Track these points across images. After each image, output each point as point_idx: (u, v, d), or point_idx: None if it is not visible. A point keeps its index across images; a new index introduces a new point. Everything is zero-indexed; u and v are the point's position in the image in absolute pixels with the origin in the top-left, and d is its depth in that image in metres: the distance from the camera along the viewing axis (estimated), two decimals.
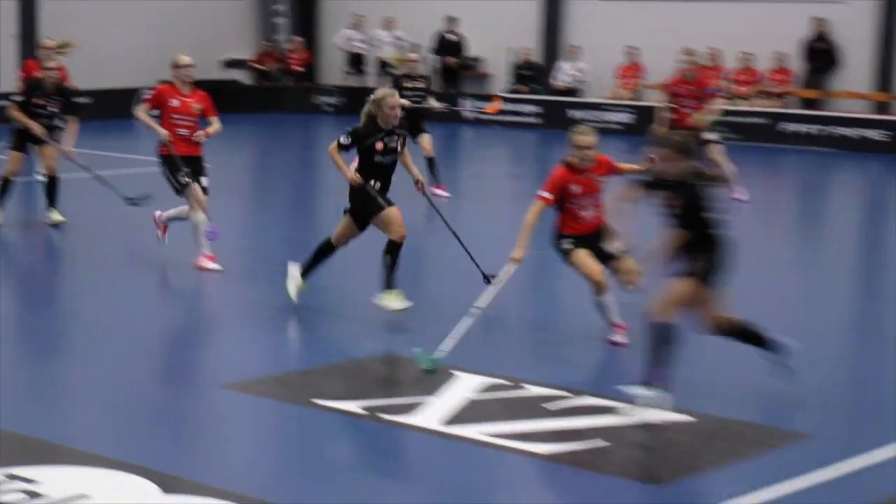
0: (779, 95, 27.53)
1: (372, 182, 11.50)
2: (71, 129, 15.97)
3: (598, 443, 8.40)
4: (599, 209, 10.72)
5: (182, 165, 13.48)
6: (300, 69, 33.26)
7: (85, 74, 30.04)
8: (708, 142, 18.01)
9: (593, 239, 10.72)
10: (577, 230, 10.73)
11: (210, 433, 8.93)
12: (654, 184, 9.25)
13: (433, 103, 19.20)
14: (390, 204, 11.45)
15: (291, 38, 33.61)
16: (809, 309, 13.02)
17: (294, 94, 32.82)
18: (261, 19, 33.95)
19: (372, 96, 11.68)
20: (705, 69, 17.84)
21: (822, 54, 27.27)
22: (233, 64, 33.15)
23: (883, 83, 27.06)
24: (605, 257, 10.64)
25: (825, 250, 17.10)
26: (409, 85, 18.87)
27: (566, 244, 10.78)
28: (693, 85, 18.16)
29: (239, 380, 9.85)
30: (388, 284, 11.47)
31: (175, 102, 13.69)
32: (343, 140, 11.49)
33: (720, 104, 18.42)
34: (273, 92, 32.79)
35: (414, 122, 18.32)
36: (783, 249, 16.69)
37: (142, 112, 13.82)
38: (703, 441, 8.57)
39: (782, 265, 15.40)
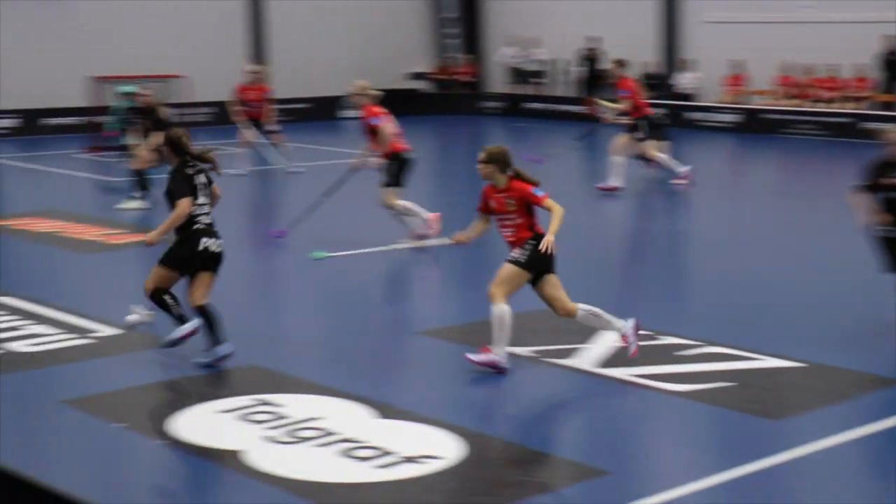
0: (859, 99, 26.72)
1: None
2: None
3: (724, 383, 8.23)
4: (514, 230, 8.60)
5: None
6: (469, 79, 33.43)
7: (301, 84, 30.64)
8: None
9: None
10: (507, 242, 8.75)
11: (412, 370, 8.96)
12: None
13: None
14: None
15: (461, 55, 33.79)
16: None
17: (464, 99, 32.89)
18: (436, 40, 34.14)
19: None
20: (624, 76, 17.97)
21: (895, 64, 26.39)
22: (416, 76, 33.49)
23: None
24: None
25: None
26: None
27: None
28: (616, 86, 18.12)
29: (431, 328, 9.88)
30: None
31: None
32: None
33: (624, 103, 17.80)
34: (448, 98, 32.96)
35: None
36: None
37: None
38: (812, 384, 8.34)
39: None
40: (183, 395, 8.04)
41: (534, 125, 29.22)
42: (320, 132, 27.71)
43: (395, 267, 12.95)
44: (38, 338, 9.36)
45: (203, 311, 8.70)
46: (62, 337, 9.40)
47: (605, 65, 30.00)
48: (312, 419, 7.46)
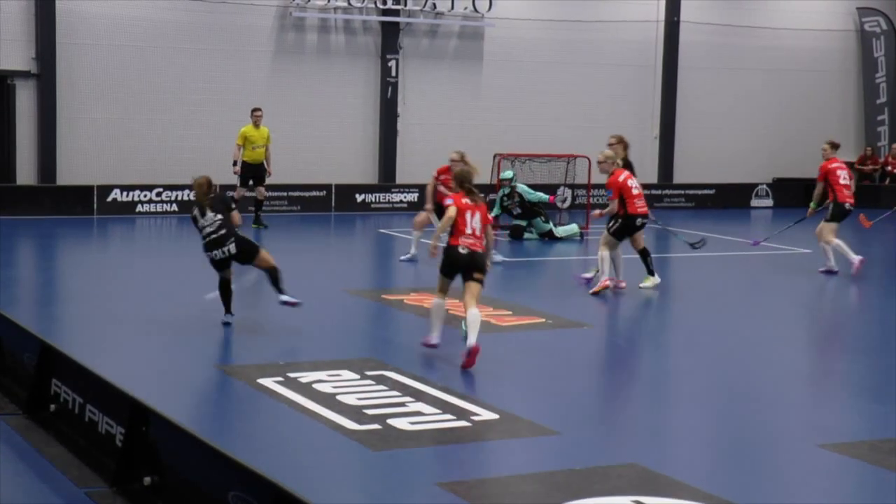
0: None
1: None
2: None
3: None
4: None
5: None
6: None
7: (709, 171, 30.64)
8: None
9: None
10: None
11: (804, 488, 8.64)
12: None
13: None
14: None
15: (892, 145, 32.83)
16: None
17: (890, 192, 31.74)
18: (866, 128, 33.17)
19: None
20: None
21: None
22: None
23: None
24: None
25: None
26: None
27: None
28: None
29: (833, 442, 9.49)
30: None
31: None
32: None
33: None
34: (873, 189, 31.92)
35: None
36: None
37: None
38: None
39: None
40: (559, 489, 8.14)
41: None
42: (722, 220, 27.56)
43: (788, 367, 12.61)
44: (419, 416, 9.78)
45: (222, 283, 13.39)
46: (442, 417, 9.77)
47: None
48: None
